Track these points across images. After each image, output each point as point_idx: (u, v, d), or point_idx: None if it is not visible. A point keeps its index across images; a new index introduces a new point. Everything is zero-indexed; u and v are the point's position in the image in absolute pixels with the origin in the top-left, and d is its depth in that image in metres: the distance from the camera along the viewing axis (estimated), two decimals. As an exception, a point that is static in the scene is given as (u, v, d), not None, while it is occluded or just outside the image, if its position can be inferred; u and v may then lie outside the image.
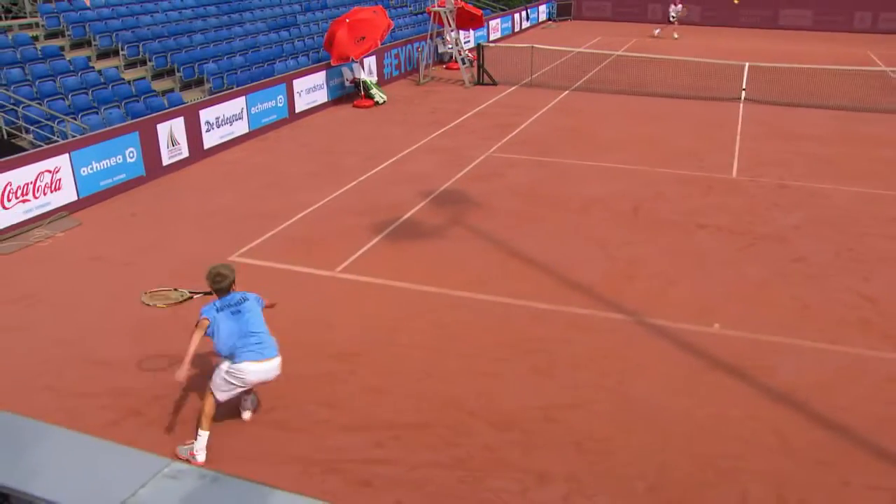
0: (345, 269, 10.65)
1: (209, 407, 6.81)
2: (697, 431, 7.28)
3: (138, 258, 11.10)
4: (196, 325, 6.74)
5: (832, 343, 8.87)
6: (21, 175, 11.97)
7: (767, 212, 12.96)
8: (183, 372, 6.60)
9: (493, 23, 33.30)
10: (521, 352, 8.62)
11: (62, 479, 3.83)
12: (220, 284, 6.86)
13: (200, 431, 6.79)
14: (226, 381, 6.80)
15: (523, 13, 38.23)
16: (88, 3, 20.26)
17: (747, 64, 22.38)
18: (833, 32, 37.31)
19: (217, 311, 6.79)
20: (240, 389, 6.91)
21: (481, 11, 28.26)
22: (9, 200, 11.81)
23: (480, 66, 23.92)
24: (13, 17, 20.06)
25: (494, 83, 23.56)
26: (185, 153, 15.34)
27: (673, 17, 35.75)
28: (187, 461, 6.55)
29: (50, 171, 12.40)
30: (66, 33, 18.70)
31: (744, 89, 21.68)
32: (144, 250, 11.37)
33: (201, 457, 6.78)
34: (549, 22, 41.67)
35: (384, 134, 17.82)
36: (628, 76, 24.70)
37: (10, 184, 11.81)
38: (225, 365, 6.80)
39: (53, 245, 11.61)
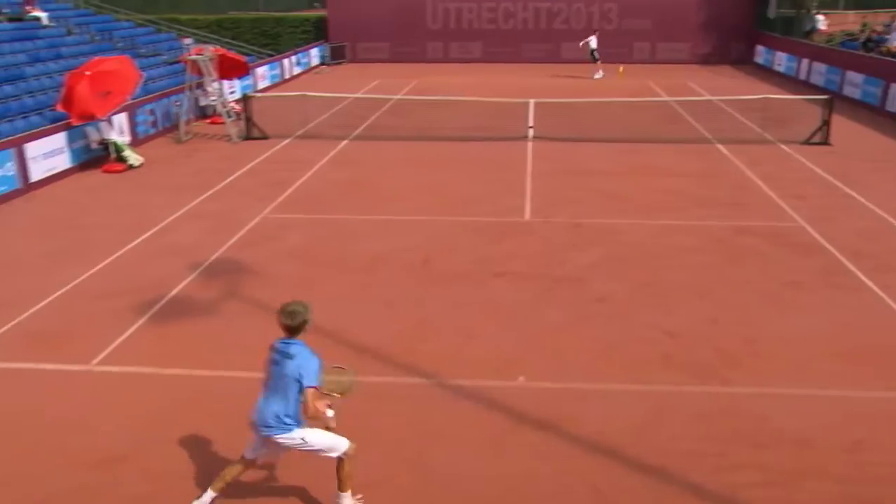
0: (102, 361, 10.16)
1: (346, 467, 7.16)
2: (508, 494, 7.49)
3: None
4: None
5: (638, 383, 9.47)
6: None
7: (563, 253, 13.70)
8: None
9: (259, 70, 33.43)
10: (312, 432, 8.53)
11: None
12: (290, 322, 6.82)
13: (342, 493, 7.19)
14: None
15: (293, 58, 38.64)
16: None
17: (532, 101, 23.64)
18: (615, 63, 40.23)
19: (270, 348, 6.95)
20: (254, 442, 7.10)
21: (244, 58, 28.28)
22: None
23: (248, 119, 23.83)
24: None
25: (265, 137, 23.50)
26: None
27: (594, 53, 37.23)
28: None
29: None
30: None
31: (531, 127, 22.90)
32: None
33: None
34: (323, 66, 42.36)
35: (142, 201, 17.27)
36: (411, 121, 25.49)
37: None
38: None
39: None
